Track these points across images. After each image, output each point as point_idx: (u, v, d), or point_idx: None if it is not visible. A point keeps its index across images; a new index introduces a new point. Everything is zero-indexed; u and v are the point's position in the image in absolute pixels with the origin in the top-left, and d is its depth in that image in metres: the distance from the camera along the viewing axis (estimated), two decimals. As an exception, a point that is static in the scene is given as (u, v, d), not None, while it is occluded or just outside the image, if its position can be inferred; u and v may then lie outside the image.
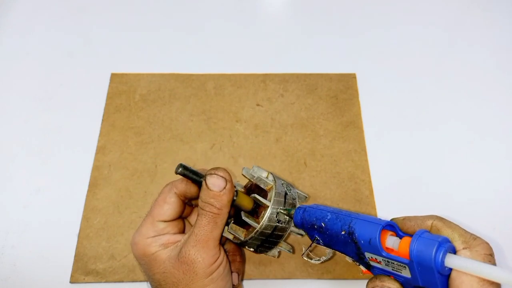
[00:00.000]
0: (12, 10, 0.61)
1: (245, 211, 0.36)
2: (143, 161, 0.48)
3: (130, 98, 0.52)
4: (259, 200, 0.35)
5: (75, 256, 0.42)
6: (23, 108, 0.52)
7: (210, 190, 0.33)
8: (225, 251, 0.36)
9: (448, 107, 0.53)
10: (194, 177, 0.34)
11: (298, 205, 0.36)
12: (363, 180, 0.47)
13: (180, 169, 0.33)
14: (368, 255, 0.29)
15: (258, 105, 0.52)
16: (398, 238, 0.28)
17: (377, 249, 0.28)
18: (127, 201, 0.45)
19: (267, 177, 0.36)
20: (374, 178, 0.47)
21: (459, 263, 0.25)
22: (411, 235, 0.27)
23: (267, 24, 0.61)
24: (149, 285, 0.36)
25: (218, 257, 0.34)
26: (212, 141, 0.49)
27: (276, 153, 0.49)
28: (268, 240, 0.36)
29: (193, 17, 0.61)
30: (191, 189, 0.36)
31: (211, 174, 0.34)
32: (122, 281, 0.41)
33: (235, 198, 0.35)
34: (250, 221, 0.35)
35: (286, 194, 0.36)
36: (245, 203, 0.36)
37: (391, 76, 0.55)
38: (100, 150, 0.49)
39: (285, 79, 0.54)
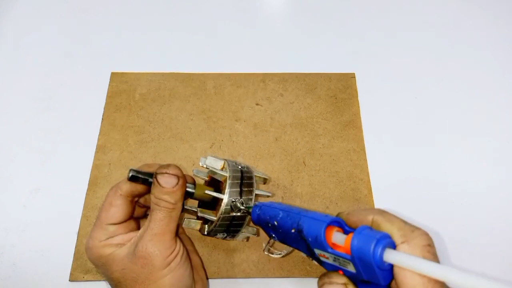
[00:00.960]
0: (12, 10, 0.61)
1: (207, 202, 0.37)
2: (143, 160, 0.48)
3: (130, 97, 0.52)
4: (212, 196, 0.36)
5: (75, 254, 0.42)
6: (23, 108, 0.52)
7: (163, 187, 0.34)
8: (181, 240, 0.36)
9: (447, 107, 0.53)
10: (148, 179, 0.35)
11: (255, 189, 0.37)
12: (362, 179, 0.47)
13: (131, 173, 0.34)
14: (317, 251, 0.30)
15: (257, 104, 0.52)
16: (343, 234, 0.29)
17: (323, 246, 0.28)
18: (127, 200, 0.46)
19: (222, 167, 0.37)
20: (372, 177, 0.47)
21: (396, 258, 0.25)
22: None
23: (267, 23, 0.61)
24: (107, 284, 0.36)
25: (175, 248, 0.34)
26: (212, 140, 0.49)
27: (275, 152, 0.49)
28: (230, 230, 0.37)
29: (193, 16, 0.61)
30: (137, 187, 0.36)
31: (162, 173, 0.34)
32: (122, 280, 0.41)
33: (193, 191, 0.36)
34: (206, 215, 0.36)
35: (241, 183, 0.36)
36: (205, 196, 0.37)
37: (390, 75, 0.55)
38: (100, 149, 0.49)
39: (284, 79, 0.54)
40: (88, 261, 0.42)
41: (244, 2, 0.63)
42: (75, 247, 0.43)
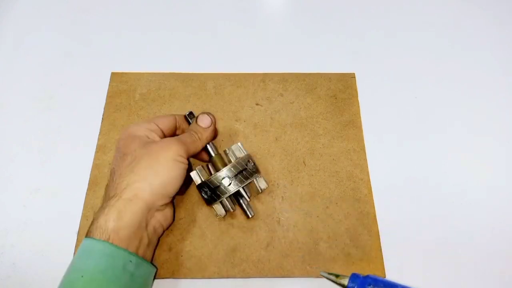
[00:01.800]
0: (12, 10, 0.61)
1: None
2: (143, 160, 0.48)
3: (130, 97, 0.52)
4: (216, 163, 0.44)
5: (75, 253, 0.42)
6: (23, 108, 0.52)
7: (199, 125, 0.43)
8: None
9: (447, 107, 0.53)
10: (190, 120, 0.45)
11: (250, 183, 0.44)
12: (362, 179, 0.47)
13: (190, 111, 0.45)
14: None
15: (257, 104, 0.52)
16: None
17: None
18: (127, 199, 0.45)
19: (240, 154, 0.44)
20: (372, 177, 0.47)
21: None
22: None
23: (267, 23, 0.61)
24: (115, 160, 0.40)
25: (183, 162, 0.40)
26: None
27: (275, 152, 0.49)
28: (213, 194, 0.42)
29: (193, 16, 0.61)
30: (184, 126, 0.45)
31: (202, 113, 0.44)
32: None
33: (213, 155, 0.44)
34: (203, 172, 0.43)
35: (243, 170, 0.42)
36: (219, 163, 0.44)
37: (390, 75, 0.55)
38: (100, 148, 0.49)
39: (284, 79, 0.54)
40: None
41: (244, 2, 0.63)
42: (75, 247, 0.43)
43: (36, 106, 0.52)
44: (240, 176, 0.42)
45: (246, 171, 0.42)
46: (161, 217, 0.40)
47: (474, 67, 0.56)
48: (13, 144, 0.49)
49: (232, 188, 0.41)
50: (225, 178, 0.41)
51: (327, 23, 0.61)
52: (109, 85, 0.53)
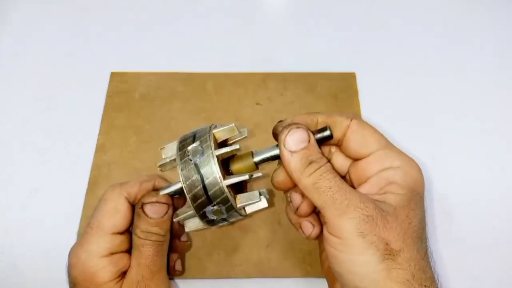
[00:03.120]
0: (12, 10, 0.61)
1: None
2: (143, 160, 0.48)
3: (130, 97, 0.52)
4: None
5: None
6: (23, 108, 0.52)
7: (151, 218, 0.31)
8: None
9: (448, 106, 0.53)
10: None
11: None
12: (363, 179, 0.47)
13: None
14: None
15: (258, 104, 0.52)
16: None
17: None
18: (127, 199, 0.45)
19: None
20: (373, 177, 0.47)
21: None
22: None
23: (267, 23, 0.61)
24: None
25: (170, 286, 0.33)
26: (212, 140, 0.49)
27: (276, 152, 0.49)
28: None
29: (193, 16, 0.61)
30: (149, 187, 0.33)
31: (151, 203, 0.31)
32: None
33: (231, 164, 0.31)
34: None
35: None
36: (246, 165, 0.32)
37: (391, 75, 0.55)
38: (100, 148, 0.49)
39: (284, 78, 0.54)
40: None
41: (243, 1, 0.63)
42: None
43: (36, 106, 0.52)
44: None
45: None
46: None
47: (476, 67, 0.56)
48: (13, 144, 0.49)
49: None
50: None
51: (328, 22, 0.60)
52: (108, 84, 0.53)
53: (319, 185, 0.26)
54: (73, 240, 0.43)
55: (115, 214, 0.31)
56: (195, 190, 0.29)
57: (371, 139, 0.30)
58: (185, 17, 0.61)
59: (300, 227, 0.33)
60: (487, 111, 0.52)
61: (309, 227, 0.32)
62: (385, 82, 0.54)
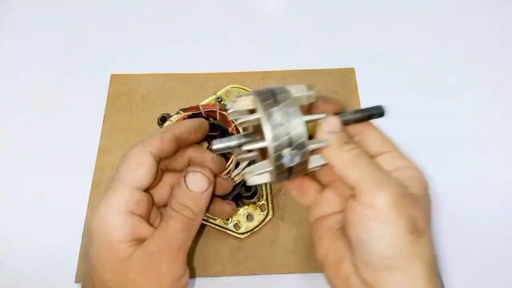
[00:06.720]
0: (12, 10, 0.61)
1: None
2: (145, 161, 0.48)
3: (131, 99, 0.53)
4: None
5: (80, 255, 0.42)
6: (24, 111, 0.52)
7: (189, 190, 0.29)
8: None
9: (448, 102, 0.53)
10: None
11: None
12: (365, 173, 0.47)
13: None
14: None
15: (258, 102, 0.52)
16: None
17: None
18: (130, 200, 0.46)
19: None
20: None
21: None
22: None
23: (265, 21, 0.61)
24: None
25: (184, 274, 0.30)
26: (213, 139, 0.49)
27: (277, 149, 0.49)
28: None
29: (192, 16, 0.61)
30: (172, 147, 0.31)
31: (194, 171, 0.30)
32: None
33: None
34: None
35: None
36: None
37: (390, 69, 0.55)
38: (102, 151, 0.49)
39: (284, 76, 0.54)
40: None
41: (242, 0, 0.63)
42: (80, 248, 0.43)
43: (36, 111, 0.52)
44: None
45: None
46: None
47: (475, 62, 0.56)
48: (14, 149, 0.49)
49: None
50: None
51: (325, 18, 0.60)
52: (109, 87, 0.53)
53: (357, 161, 0.28)
54: (77, 240, 0.43)
55: (138, 166, 0.30)
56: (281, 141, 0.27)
57: (385, 141, 0.33)
58: (184, 18, 0.61)
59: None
60: (490, 107, 0.52)
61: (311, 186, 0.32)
62: (384, 77, 0.54)
